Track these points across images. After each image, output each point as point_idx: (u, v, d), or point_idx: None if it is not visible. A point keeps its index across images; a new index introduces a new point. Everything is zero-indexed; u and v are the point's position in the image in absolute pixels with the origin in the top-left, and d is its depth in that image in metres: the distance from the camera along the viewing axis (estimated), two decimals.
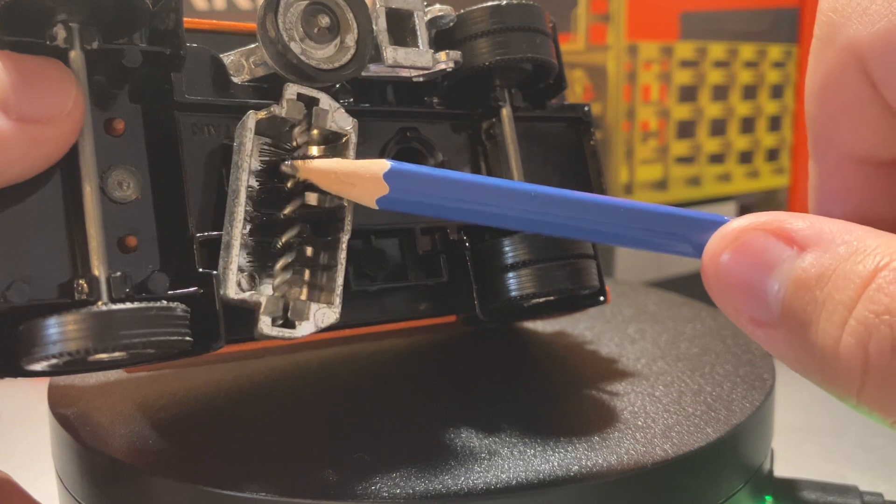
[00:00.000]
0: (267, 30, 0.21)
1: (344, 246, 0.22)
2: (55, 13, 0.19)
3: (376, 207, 0.20)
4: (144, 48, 0.21)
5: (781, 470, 0.28)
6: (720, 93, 0.56)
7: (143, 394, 0.26)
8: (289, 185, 0.22)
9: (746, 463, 0.24)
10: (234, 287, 0.21)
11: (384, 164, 0.20)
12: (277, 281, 0.22)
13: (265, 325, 0.21)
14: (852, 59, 0.18)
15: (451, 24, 0.25)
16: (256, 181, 0.22)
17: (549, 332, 0.32)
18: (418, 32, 0.24)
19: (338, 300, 0.22)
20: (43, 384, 0.26)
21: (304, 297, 0.22)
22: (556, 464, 0.21)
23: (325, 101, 0.22)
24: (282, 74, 0.22)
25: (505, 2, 0.25)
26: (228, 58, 0.23)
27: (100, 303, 0.19)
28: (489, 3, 0.25)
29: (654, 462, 0.21)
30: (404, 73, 0.25)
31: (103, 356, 0.19)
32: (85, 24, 0.20)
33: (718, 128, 0.57)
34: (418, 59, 0.24)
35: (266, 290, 0.22)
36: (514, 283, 0.24)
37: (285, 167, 0.22)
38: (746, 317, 0.18)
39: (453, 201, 0.20)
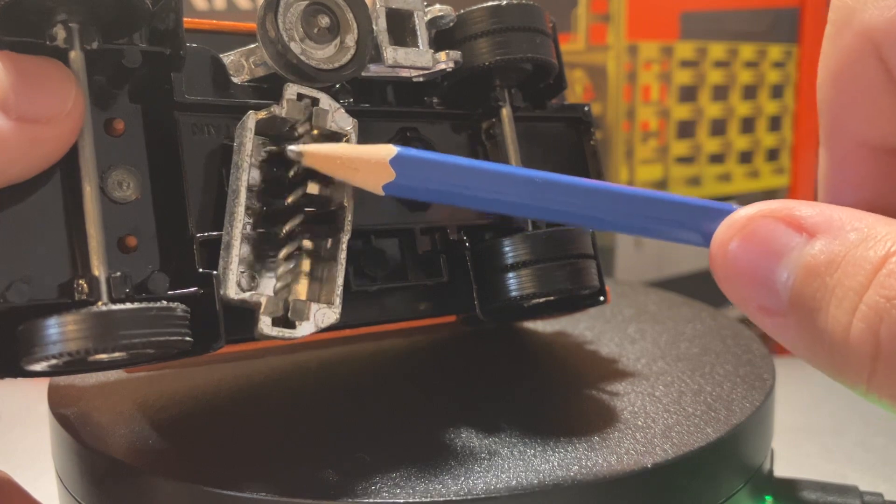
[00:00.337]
0: (267, 30, 0.21)
1: (344, 246, 0.22)
2: (55, 13, 0.19)
3: (382, 193, 0.20)
4: (144, 48, 0.21)
5: (781, 470, 0.28)
6: (720, 93, 0.56)
7: (143, 394, 0.26)
8: (291, 174, 0.22)
9: (746, 463, 0.24)
10: (234, 287, 0.21)
11: (391, 150, 0.20)
12: (280, 271, 0.22)
13: (265, 325, 0.21)
14: (867, 45, 0.18)
15: (451, 24, 0.25)
16: (258, 173, 0.22)
17: (549, 332, 0.32)
18: (418, 32, 0.24)
19: (338, 300, 0.22)
20: (43, 384, 0.26)
21: (304, 297, 0.22)
22: (556, 464, 0.21)
23: (325, 101, 0.22)
24: (282, 74, 0.22)
25: (505, 2, 0.25)
26: (228, 58, 0.23)
27: (100, 303, 0.19)
28: (489, 3, 0.25)
29: (654, 462, 0.21)
30: (404, 73, 0.25)
31: (103, 356, 0.19)
32: (85, 25, 0.20)
33: (718, 128, 0.56)
34: (418, 60, 0.24)
35: (266, 290, 0.22)
36: (514, 284, 0.24)
37: (290, 153, 0.21)
38: (755, 305, 0.17)
39: (461, 187, 0.20)
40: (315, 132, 0.22)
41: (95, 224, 0.19)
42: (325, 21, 0.22)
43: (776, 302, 0.17)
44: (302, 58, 0.22)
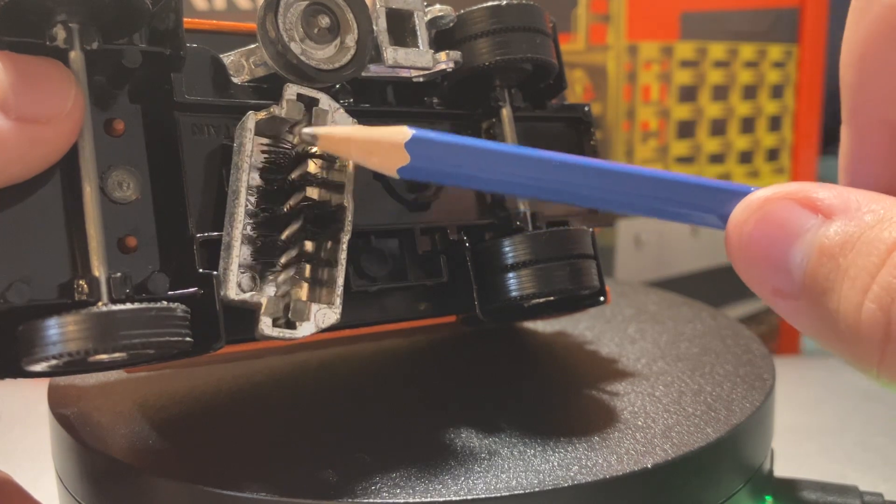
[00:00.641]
0: (267, 30, 0.21)
1: (344, 246, 0.22)
2: (55, 14, 0.19)
3: (397, 177, 0.20)
4: (144, 48, 0.21)
5: (781, 470, 0.28)
6: (720, 93, 0.56)
7: (143, 394, 0.26)
8: (292, 176, 0.22)
9: (746, 463, 0.24)
10: (234, 288, 0.21)
11: (406, 133, 0.19)
12: (281, 277, 0.22)
13: (266, 325, 0.21)
14: (892, 22, 0.18)
15: (451, 24, 0.25)
16: (258, 176, 0.22)
17: (549, 332, 0.32)
18: (418, 33, 0.24)
19: (338, 300, 0.22)
20: (43, 384, 0.26)
21: (304, 297, 0.22)
22: (556, 464, 0.21)
23: (325, 101, 0.22)
24: (282, 75, 0.22)
25: (505, 2, 0.25)
26: (228, 58, 0.23)
27: (100, 303, 0.19)
28: (489, 3, 0.25)
29: (654, 462, 0.21)
30: (404, 73, 0.25)
31: (103, 357, 0.19)
32: (85, 25, 0.20)
33: (718, 128, 0.56)
34: (418, 60, 0.24)
35: (267, 291, 0.22)
36: (515, 284, 0.24)
37: (304, 135, 0.21)
38: (770, 288, 0.17)
39: (476, 169, 0.19)
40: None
41: (95, 224, 0.19)
42: (325, 21, 0.22)
43: (790, 284, 0.17)
44: (302, 58, 0.22)
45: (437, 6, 0.25)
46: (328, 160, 0.22)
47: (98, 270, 0.19)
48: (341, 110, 0.22)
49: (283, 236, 0.22)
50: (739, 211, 0.18)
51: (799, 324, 0.17)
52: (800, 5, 0.55)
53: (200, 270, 0.21)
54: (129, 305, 0.19)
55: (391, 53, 0.23)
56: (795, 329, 0.58)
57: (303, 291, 0.22)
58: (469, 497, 0.20)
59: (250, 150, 0.21)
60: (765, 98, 0.57)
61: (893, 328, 0.15)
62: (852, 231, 0.16)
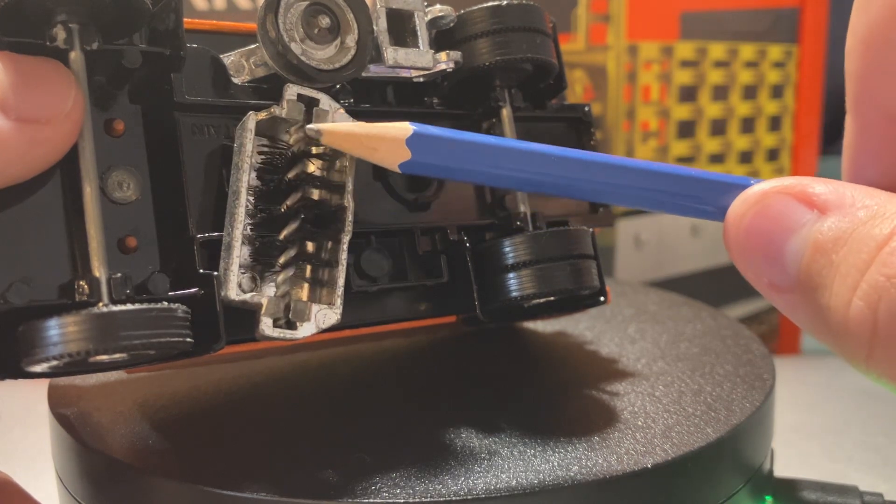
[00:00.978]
0: (267, 30, 0.21)
1: (345, 246, 0.22)
2: (55, 14, 0.19)
3: (399, 171, 0.20)
4: (144, 49, 0.21)
5: (781, 470, 0.28)
6: (720, 93, 0.56)
7: (143, 394, 0.26)
8: (292, 176, 0.22)
9: (746, 463, 0.24)
10: (234, 288, 0.21)
11: (407, 129, 0.20)
12: (280, 277, 0.22)
13: (266, 326, 0.21)
14: None
15: (452, 24, 0.25)
16: (258, 178, 0.22)
17: (549, 332, 0.32)
18: (419, 33, 0.24)
19: (339, 301, 0.22)
20: (43, 384, 0.26)
21: (305, 297, 0.22)
22: (556, 464, 0.21)
23: (326, 101, 0.22)
24: (282, 75, 0.22)
25: (505, 2, 0.25)
26: (228, 58, 0.23)
27: (100, 304, 0.19)
28: (489, 4, 0.25)
29: (654, 462, 0.21)
30: (404, 73, 0.25)
31: (104, 357, 0.19)
32: (85, 25, 0.20)
33: (718, 128, 0.56)
34: (419, 60, 0.24)
35: (267, 291, 0.22)
36: (515, 284, 0.24)
37: (309, 131, 0.21)
38: (766, 281, 0.17)
39: (478, 164, 0.20)
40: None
41: (95, 225, 0.19)
42: (325, 21, 0.22)
43: (786, 278, 0.17)
44: (302, 58, 0.22)
45: (438, 6, 0.25)
46: (328, 160, 0.22)
47: (98, 271, 0.19)
48: (341, 110, 0.22)
49: (281, 236, 0.22)
50: (738, 205, 0.18)
51: (794, 316, 0.17)
52: (800, 5, 0.55)
53: (201, 271, 0.21)
54: (129, 306, 0.19)
55: (391, 53, 0.23)
56: (796, 329, 0.58)
57: (303, 292, 0.22)
58: (469, 497, 0.20)
59: (251, 150, 0.21)
60: (765, 98, 0.57)
61: (880, 326, 0.15)
62: (845, 227, 0.16)
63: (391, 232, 0.25)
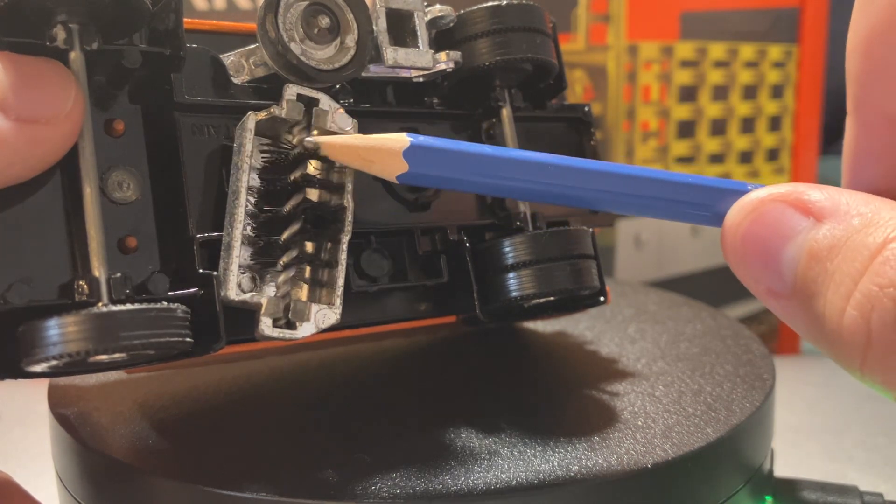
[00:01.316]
0: (267, 30, 0.21)
1: (345, 246, 0.22)
2: (55, 14, 0.19)
3: (397, 182, 0.20)
4: (144, 49, 0.21)
5: (781, 470, 0.28)
6: (720, 93, 0.56)
7: (143, 394, 0.26)
8: (292, 177, 0.22)
9: (746, 463, 0.24)
10: (234, 288, 0.21)
11: (404, 141, 0.20)
12: (281, 277, 0.22)
13: (266, 326, 0.21)
14: None
15: (452, 24, 0.25)
16: (258, 178, 0.22)
17: (549, 332, 0.32)
18: (418, 33, 0.24)
19: (338, 301, 0.22)
20: (43, 384, 0.26)
21: (304, 297, 0.22)
22: (556, 464, 0.21)
23: (325, 101, 0.22)
24: (282, 75, 0.22)
25: (505, 2, 0.25)
26: (228, 58, 0.23)
27: (100, 304, 0.19)
28: (489, 4, 0.25)
29: (654, 462, 0.21)
30: (404, 73, 0.25)
31: (103, 357, 0.19)
32: (85, 25, 0.20)
33: (718, 128, 0.56)
34: (418, 60, 0.24)
35: (267, 291, 0.22)
36: (515, 284, 0.24)
37: (307, 143, 0.22)
38: (763, 288, 0.18)
39: (476, 175, 0.20)
40: (315, 133, 0.22)
41: (95, 225, 0.19)
42: (325, 21, 0.22)
43: (782, 285, 0.17)
44: (302, 58, 0.22)
45: (437, 6, 0.25)
46: (328, 161, 0.22)
47: (98, 271, 0.19)
48: (341, 111, 0.22)
49: (283, 237, 0.22)
50: (734, 212, 0.18)
51: (791, 323, 0.18)
52: (800, 5, 0.55)
53: (200, 271, 0.21)
54: (129, 306, 0.19)
55: (391, 53, 0.23)
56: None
57: (303, 292, 0.22)
58: (469, 497, 0.20)
59: (250, 150, 0.21)
60: (765, 98, 0.57)
61: (874, 335, 0.15)
62: (840, 235, 0.16)
63: (391, 232, 0.25)
